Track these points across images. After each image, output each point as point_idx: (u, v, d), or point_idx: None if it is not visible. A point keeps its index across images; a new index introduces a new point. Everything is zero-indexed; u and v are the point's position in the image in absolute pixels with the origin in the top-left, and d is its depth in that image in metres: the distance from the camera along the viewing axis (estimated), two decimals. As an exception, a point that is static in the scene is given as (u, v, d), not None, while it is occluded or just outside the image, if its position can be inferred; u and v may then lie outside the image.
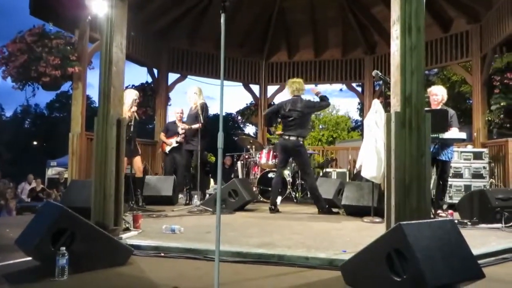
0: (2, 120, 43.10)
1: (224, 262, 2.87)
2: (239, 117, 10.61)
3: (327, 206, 5.45)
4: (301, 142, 5.51)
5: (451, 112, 4.96)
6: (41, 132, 40.62)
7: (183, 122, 6.65)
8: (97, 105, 3.62)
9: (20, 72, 5.51)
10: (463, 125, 5.20)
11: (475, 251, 2.54)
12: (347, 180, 8.08)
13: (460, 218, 4.55)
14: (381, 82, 10.08)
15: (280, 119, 5.65)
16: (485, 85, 7.07)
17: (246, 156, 7.96)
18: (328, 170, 8.65)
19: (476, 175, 6.02)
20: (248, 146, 7.80)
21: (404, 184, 2.78)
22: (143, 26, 7.98)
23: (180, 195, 6.64)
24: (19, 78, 5.57)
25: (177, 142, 6.92)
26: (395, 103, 2.90)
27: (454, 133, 4.72)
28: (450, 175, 5.46)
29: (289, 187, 6.92)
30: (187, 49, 9.11)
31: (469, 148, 6.43)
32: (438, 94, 4.99)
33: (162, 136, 7.27)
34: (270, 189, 6.76)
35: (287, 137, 5.45)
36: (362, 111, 13.54)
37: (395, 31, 2.91)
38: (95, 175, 3.50)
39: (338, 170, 8.77)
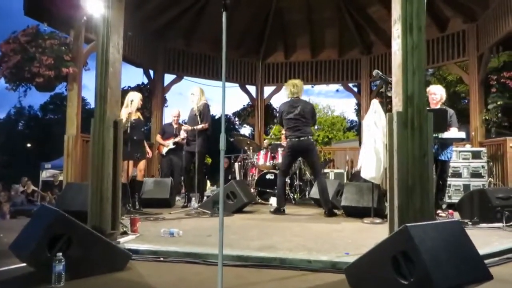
0: (-5, 122, 42.73)
1: (225, 266, 2.81)
2: (236, 119, 10.55)
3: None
4: (312, 140, 5.48)
5: (451, 111, 4.94)
6: (35, 134, 40.29)
7: (181, 124, 6.57)
8: (92, 106, 3.55)
9: (13, 72, 5.42)
10: (460, 125, 5.18)
11: (479, 252, 2.50)
12: (345, 180, 8.06)
13: (460, 218, 4.53)
14: (377, 82, 10.16)
15: (283, 122, 5.55)
16: (482, 84, 7.08)
17: (244, 158, 7.90)
18: (325, 171, 8.62)
19: (475, 174, 6.01)
20: (246, 147, 7.75)
21: (407, 185, 2.74)
22: (139, 26, 7.91)
23: (177, 198, 6.57)
24: (12, 79, 5.49)
25: (174, 143, 6.85)
26: (397, 103, 2.86)
27: (453, 132, 4.71)
28: (449, 174, 5.45)
29: (287, 188, 6.87)
30: (184, 50, 9.06)
31: (468, 147, 6.42)
32: (437, 93, 4.98)
33: (159, 138, 7.19)
34: (268, 190, 6.74)
35: (296, 139, 5.35)
36: (359, 111, 13.53)
37: (396, 30, 2.88)
38: (91, 178, 3.43)
39: (336, 170, 8.75)
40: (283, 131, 7.28)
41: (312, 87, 11.72)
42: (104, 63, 3.37)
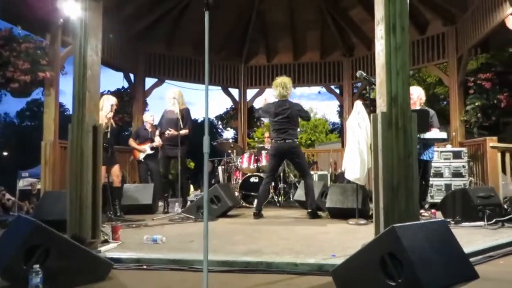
0: (-30, 130, 41.43)
1: (210, 272, 2.74)
2: (219, 122, 10.48)
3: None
4: (297, 143, 5.42)
5: (431, 112, 4.99)
6: (11, 142, 39.20)
7: (155, 127, 6.38)
8: (70, 112, 3.43)
9: (-14, 78, 5.22)
10: (440, 125, 5.25)
11: (464, 251, 2.51)
12: (329, 182, 8.07)
13: (443, 217, 4.57)
14: (360, 84, 10.25)
15: (269, 122, 5.51)
16: (461, 85, 7.20)
17: (227, 161, 7.83)
18: (309, 173, 8.62)
19: (456, 174, 6.10)
20: (229, 151, 7.68)
21: (392, 185, 2.73)
22: (119, 29, 7.76)
23: (160, 203, 6.45)
24: (-15, 84, 5.29)
25: (152, 148, 6.68)
26: (381, 104, 2.86)
27: (435, 133, 4.76)
28: (431, 174, 5.50)
29: (271, 191, 6.84)
30: (164, 54, 8.93)
31: (449, 147, 6.52)
32: (413, 93, 5.01)
33: (132, 142, 6.96)
34: (253, 193, 6.68)
35: (281, 141, 5.29)
36: (341, 113, 13.64)
37: (380, 30, 2.88)
38: (70, 185, 3.31)
39: (320, 172, 8.77)
40: (266, 134, 7.23)
41: (294, 89, 11.74)
42: (82, 66, 3.27)
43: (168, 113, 5.89)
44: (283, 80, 5.47)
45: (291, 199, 7.01)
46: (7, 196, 11.63)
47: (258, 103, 10.62)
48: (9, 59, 5.36)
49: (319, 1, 8.59)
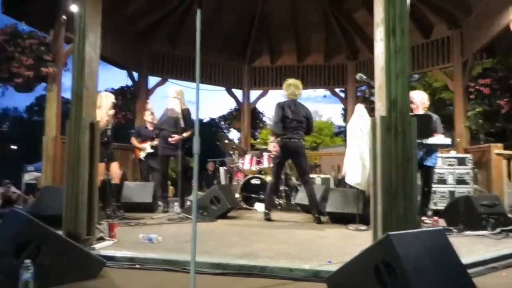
0: (-21, 124, 41.86)
1: (202, 275, 2.71)
2: (222, 122, 10.45)
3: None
4: (303, 143, 5.38)
5: (434, 117, 4.91)
6: (19, 136, 39.52)
7: (156, 128, 6.35)
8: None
9: (-9, 72, 5.25)
10: (445, 131, 5.16)
11: (464, 260, 2.43)
12: (332, 186, 8.00)
13: (445, 225, 4.49)
14: (364, 87, 10.17)
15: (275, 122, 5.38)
16: (466, 90, 7.10)
17: (229, 162, 7.79)
18: (312, 176, 8.55)
19: (460, 181, 6.00)
20: (231, 152, 7.64)
21: (390, 191, 2.68)
22: (123, 28, 7.77)
23: (160, 202, 6.42)
24: (-11, 79, 5.31)
25: (152, 147, 6.66)
26: (380, 107, 2.81)
27: (439, 138, 4.68)
28: (434, 181, 5.42)
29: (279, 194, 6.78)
30: (168, 52, 8.92)
31: (453, 153, 6.42)
32: (415, 98, 4.94)
33: (134, 140, 6.92)
34: (253, 195, 6.64)
35: (288, 139, 5.23)
36: (345, 116, 13.56)
37: (379, 33, 2.83)
38: (67, 181, 3.30)
39: (322, 176, 8.68)
40: (272, 138, 7.08)
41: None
42: (80, 63, 3.25)
43: (169, 112, 5.83)
44: (295, 81, 5.49)
45: (292, 202, 6.95)
46: (13, 189, 11.69)
47: (261, 105, 10.59)
48: (14, 54, 5.40)
49: (323, 3, 8.53)
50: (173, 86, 6.25)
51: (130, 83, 8.45)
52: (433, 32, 7.82)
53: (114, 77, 11.16)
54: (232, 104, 10.25)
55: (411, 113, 4.56)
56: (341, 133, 30.76)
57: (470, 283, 2.07)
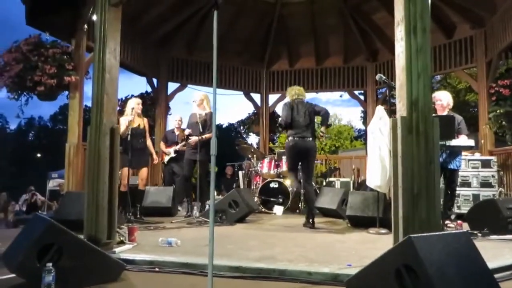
0: (6, 133, 43.30)
1: (221, 278, 2.70)
2: (241, 127, 10.48)
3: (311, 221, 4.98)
4: (315, 143, 5.16)
5: (459, 118, 4.78)
6: (44, 144, 40.72)
7: (183, 130, 6.41)
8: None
9: (15, 81, 5.42)
10: (469, 133, 5.02)
11: (489, 265, 2.35)
12: (351, 189, 7.89)
13: (469, 229, 4.35)
14: (384, 89, 10.03)
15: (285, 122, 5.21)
16: (489, 91, 6.91)
17: (247, 165, 7.79)
18: (331, 179, 8.47)
19: (485, 184, 5.82)
20: (250, 155, 7.64)
21: (412, 194, 2.62)
22: (142, 35, 7.91)
23: (179, 207, 6.46)
24: (14, 88, 5.48)
25: (175, 152, 6.74)
26: (401, 108, 2.75)
27: (462, 140, 4.55)
28: (458, 184, 5.27)
29: (291, 197, 6.73)
30: (187, 58, 9.03)
31: (477, 156, 6.23)
32: (442, 99, 4.84)
33: (162, 145, 7.07)
34: (272, 199, 6.59)
35: (301, 138, 5.00)
36: (365, 119, 13.39)
37: (400, 32, 2.78)
38: (87, 186, 3.36)
39: (342, 179, 8.59)
40: None
41: (317, 93, 11.61)
42: (100, 70, 3.32)
43: (192, 117, 5.87)
44: (296, 87, 5.51)
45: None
46: (38, 196, 12.03)
47: (279, 108, 10.54)
48: (37, 63, 5.55)
49: (341, 5, 8.46)
50: (198, 92, 6.32)
51: (149, 89, 8.59)
52: (455, 32, 7.65)
53: (135, 84, 11.37)
54: (250, 109, 10.27)
55: (435, 115, 4.46)
56: (361, 136, 30.41)
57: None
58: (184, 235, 4.10)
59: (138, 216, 5.30)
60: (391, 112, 4.16)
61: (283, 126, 5.30)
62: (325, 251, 3.48)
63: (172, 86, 9.04)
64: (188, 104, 5.95)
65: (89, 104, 3.63)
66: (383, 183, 4.42)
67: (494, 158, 6.01)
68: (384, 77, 3.96)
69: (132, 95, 8.07)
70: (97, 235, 3.26)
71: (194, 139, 5.67)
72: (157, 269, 2.97)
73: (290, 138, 5.11)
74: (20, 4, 5.62)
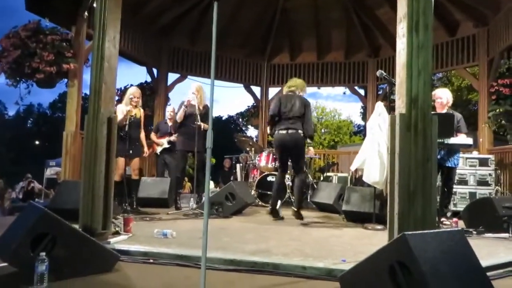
0: (5, 119, 43.21)
1: (215, 271, 2.70)
2: (240, 119, 10.45)
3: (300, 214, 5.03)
4: (302, 135, 4.99)
5: (458, 116, 4.77)
6: (43, 132, 40.66)
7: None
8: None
9: (13, 68, 5.37)
10: (469, 131, 5.01)
11: (483, 263, 2.35)
12: (349, 185, 7.90)
13: (465, 227, 4.37)
14: (385, 85, 9.99)
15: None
16: (489, 90, 6.89)
17: (245, 158, 7.77)
18: (329, 174, 8.48)
19: (482, 182, 5.82)
20: (248, 148, 7.63)
21: (408, 191, 2.61)
22: (144, 24, 7.85)
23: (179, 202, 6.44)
24: (12, 74, 5.44)
25: (169, 142, 6.68)
26: (400, 104, 2.73)
27: (460, 138, 4.54)
28: (455, 182, 5.27)
29: (288, 191, 6.73)
30: (188, 49, 8.97)
31: (475, 154, 6.23)
32: (442, 97, 4.82)
33: (153, 136, 6.97)
34: (269, 192, 6.59)
35: (284, 131, 4.95)
36: (365, 115, 13.36)
37: (402, 28, 2.75)
38: (84, 175, 3.34)
39: (340, 174, 8.60)
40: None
41: (319, 88, 11.58)
42: (99, 58, 3.28)
43: (190, 107, 5.62)
44: (293, 79, 5.53)
45: (308, 200, 6.89)
46: (35, 184, 12.02)
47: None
48: (36, 50, 5.50)
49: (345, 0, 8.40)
50: (195, 83, 6.19)
51: (149, 79, 8.54)
52: (458, 30, 7.61)
53: (134, 74, 11.33)
54: (250, 102, 10.24)
55: (434, 112, 4.45)
56: (360, 132, 30.38)
57: (489, 286, 1.99)
58: (179, 227, 4.10)
59: (134, 206, 5.29)
60: (391, 108, 4.14)
61: (268, 120, 5.26)
62: (320, 245, 3.48)
63: (172, 77, 9.01)
64: (185, 95, 5.71)
65: (88, 92, 3.60)
66: (381, 179, 4.42)
67: (491, 156, 6.01)
68: (385, 74, 3.93)
69: (131, 85, 8.03)
70: (92, 225, 3.25)
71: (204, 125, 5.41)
72: (151, 261, 2.97)
73: (276, 132, 5.07)
74: (21, -11, 5.57)
